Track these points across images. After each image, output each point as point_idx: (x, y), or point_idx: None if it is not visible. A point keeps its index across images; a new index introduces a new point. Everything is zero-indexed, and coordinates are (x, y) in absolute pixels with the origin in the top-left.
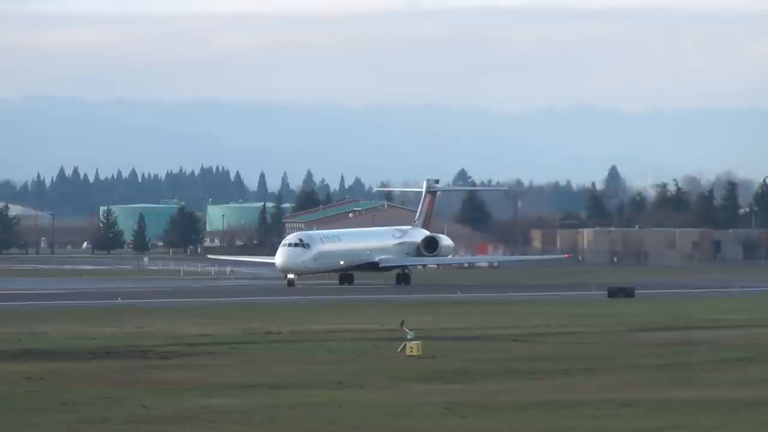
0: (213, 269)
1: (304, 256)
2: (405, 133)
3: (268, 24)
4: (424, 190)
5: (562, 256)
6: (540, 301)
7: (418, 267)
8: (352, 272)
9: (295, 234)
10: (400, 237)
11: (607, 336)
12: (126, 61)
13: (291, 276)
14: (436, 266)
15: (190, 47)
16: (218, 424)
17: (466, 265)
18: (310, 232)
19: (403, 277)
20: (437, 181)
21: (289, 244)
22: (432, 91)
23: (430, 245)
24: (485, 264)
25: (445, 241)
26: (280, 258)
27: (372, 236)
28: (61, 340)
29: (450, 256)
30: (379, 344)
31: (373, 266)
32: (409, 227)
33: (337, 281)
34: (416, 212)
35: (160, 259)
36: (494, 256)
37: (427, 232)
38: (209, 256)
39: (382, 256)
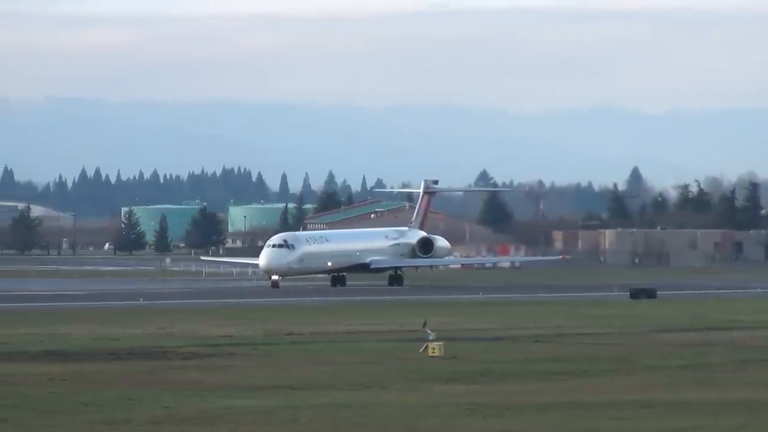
0: (235, 270)
1: (289, 258)
2: (426, 134)
3: (291, 25)
4: (421, 190)
5: (558, 257)
6: (562, 302)
7: (430, 268)
8: (344, 274)
9: (279, 235)
10: (395, 238)
11: (629, 337)
12: (147, 62)
13: (275, 277)
14: (430, 267)
15: (212, 48)
16: (239, 425)
17: (488, 265)
18: (295, 233)
19: (396, 279)
20: (436, 182)
21: (274, 245)
22: (454, 91)
23: (425, 246)
24: (507, 264)
25: (441, 242)
26: (263, 259)
27: (363, 237)
28: (82, 341)
29: (446, 258)
30: (400, 345)
31: (364, 267)
32: (406, 228)
33: (329, 283)
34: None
35: (182, 260)
36: (485, 257)
37: (423, 233)
38: (202, 258)
39: (374, 258)
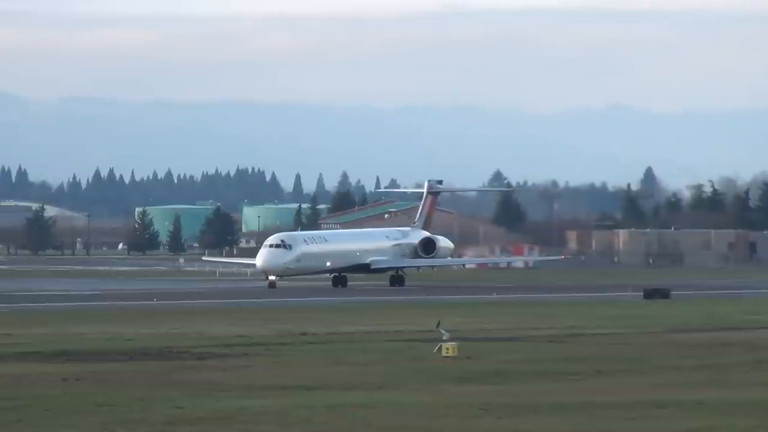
0: (249, 270)
1: (286, 258)
2: (440, 134)
3: (305, 25)
4: (425, 190)
5: (560, 257)
6: (575, 302)
7: (431, 268)
8: (345, 274)
9: (276, 235)
10: (397, 238)
11: (643, 337)
12: (161, 62)
13: (272, 277)
14: (431, 268)
15: (226, 48)
16: (253, 425)
17: (503, 265)
18: (293, 233)
19: (397, 279)
20: (440, 182)
21: (271, 245)
22: (467, 91)
23: (428, 247)
24: (521, 264)
25: (443, 242)
26: (260, 259)
27: (363, 237)
28: (96, 341)
29: (449, 258)
30: (413, 345)
31: (364, 268)
32: (409, 228)
33: (330, 283)
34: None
35: (196, 261)
36: (499, 258)
37: (426, 233)
38: (204, 258)
39: (375, 258)
